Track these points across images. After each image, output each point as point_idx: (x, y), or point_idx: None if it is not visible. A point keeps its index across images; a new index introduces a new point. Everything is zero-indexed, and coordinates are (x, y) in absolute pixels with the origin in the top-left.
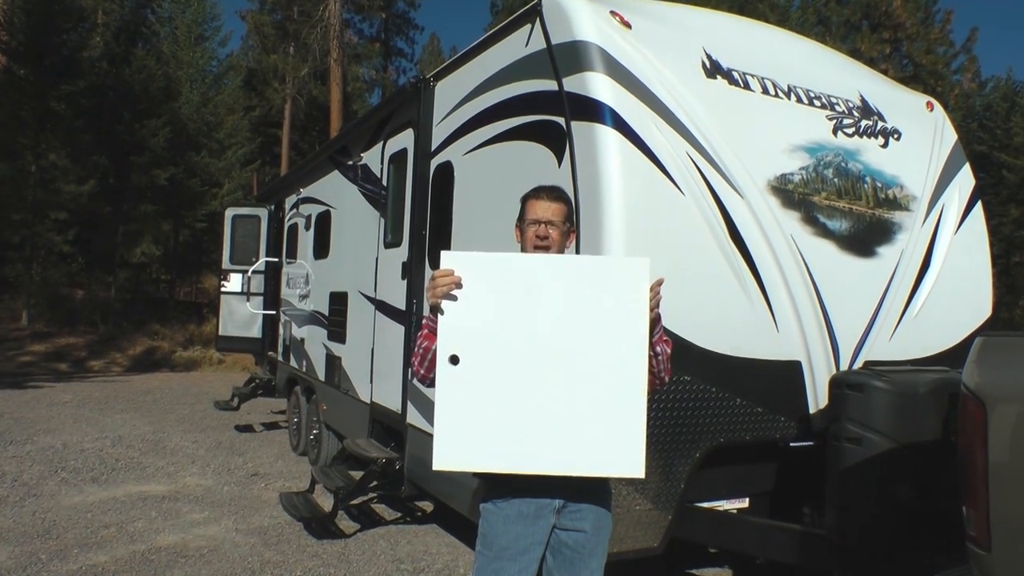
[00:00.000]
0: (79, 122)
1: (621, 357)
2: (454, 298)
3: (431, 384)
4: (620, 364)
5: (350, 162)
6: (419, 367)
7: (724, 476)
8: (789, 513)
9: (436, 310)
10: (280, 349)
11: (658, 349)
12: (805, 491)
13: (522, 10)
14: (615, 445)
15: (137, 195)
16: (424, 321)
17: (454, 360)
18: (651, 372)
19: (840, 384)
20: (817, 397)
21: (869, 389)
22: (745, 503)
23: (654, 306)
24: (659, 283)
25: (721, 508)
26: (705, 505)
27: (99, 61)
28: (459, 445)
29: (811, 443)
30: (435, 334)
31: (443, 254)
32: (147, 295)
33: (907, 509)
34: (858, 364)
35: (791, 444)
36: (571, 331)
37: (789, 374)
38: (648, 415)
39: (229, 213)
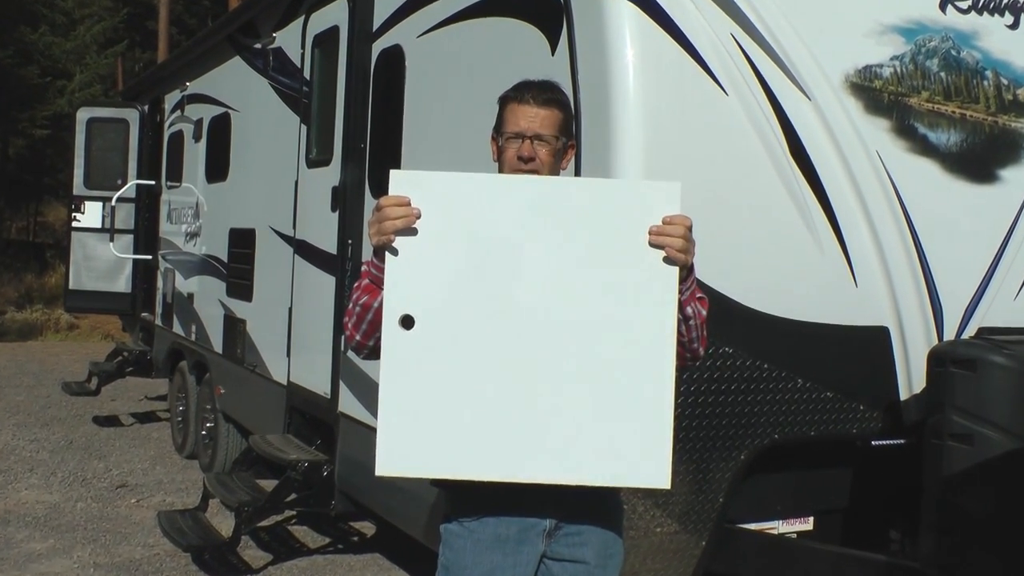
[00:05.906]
0: None
1: (641, 322)
2: (413, 232)
3: (370, 355)
4: (640, 331)
5: (258, 45)
6: (354, 331)
7: (780, 487)
8: (870, 538)
9: (382, 252)
10: (159, 309)
11: (689, 310)
12: (892, 508)
13: None
14: (631, 445)
15: None
16: (364, 268)
17: (407, 323)
18: (679, 342)
19: (944, 359)
20: (911, 377)
21: (985, 366)
22: (809, 524)
23: (682, 248)
24: (688, 227)
25: (775, 531)
26: (753, 527)
27: None
28: (412, 442)
29: (902, 441)
30: (379, 286)
31: (393, 174)
32: None
33: None
34: (969, 332)
35: (873, 443)
36: (572, 283)
37: (872, 345)
38: (675, 402)
39: (83, 116)
